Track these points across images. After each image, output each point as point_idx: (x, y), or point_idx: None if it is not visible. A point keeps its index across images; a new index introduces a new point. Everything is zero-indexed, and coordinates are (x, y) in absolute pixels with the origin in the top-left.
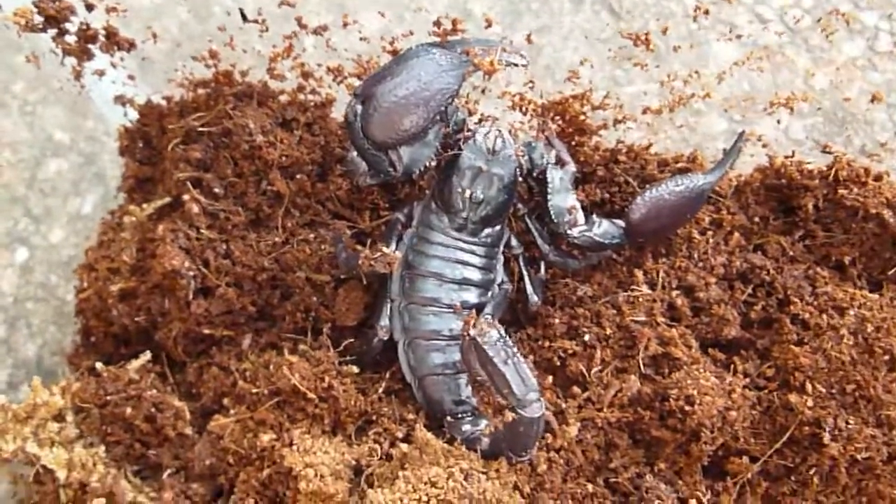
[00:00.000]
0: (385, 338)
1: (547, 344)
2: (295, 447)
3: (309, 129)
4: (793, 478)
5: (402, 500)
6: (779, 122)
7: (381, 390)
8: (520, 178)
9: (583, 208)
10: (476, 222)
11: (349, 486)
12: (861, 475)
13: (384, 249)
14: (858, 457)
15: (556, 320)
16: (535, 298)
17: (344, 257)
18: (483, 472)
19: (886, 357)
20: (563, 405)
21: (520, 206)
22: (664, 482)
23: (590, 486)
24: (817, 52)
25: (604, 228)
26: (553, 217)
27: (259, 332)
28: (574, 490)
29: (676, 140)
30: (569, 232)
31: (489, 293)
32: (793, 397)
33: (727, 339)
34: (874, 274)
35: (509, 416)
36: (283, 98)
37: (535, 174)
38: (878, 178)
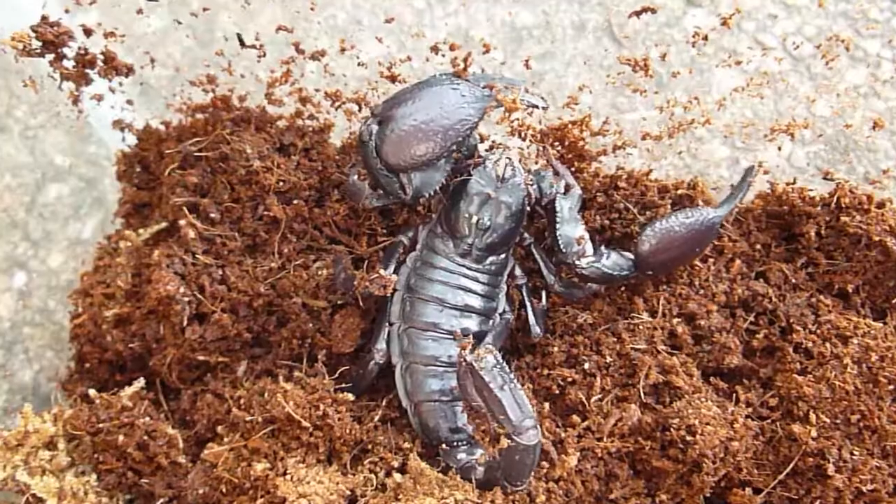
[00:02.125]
0: (381, 362)
1: (545, 372)
2: (289, 476)
3: (307, 154)
4: None
5: None
6: (780, 148)
7: (377, 418)
8: (527, 207)
9: (591, 239)
10: (481, 249)
11: None
12: None
13: (381, 272)
14: (864, 489)
15: (556, 349)
16: (538, 330)
17: (342, 279)
18: (478, 503)
19: (891, 387)
20: (563, 434)
21: (525, 235)
22: None
23: None
24: (819, 79)
25: (613, 259)
26: (561, 247)
27: (255, 358)
28: None
29: (679, 167)
30: (577, 262)
31: (490, 322)
32: (796, 427)
33: (729, 367)
34: (878, 302)
35: (505, 443)
36: (281, 123)
37: (543, 203)
38: (880, 205)
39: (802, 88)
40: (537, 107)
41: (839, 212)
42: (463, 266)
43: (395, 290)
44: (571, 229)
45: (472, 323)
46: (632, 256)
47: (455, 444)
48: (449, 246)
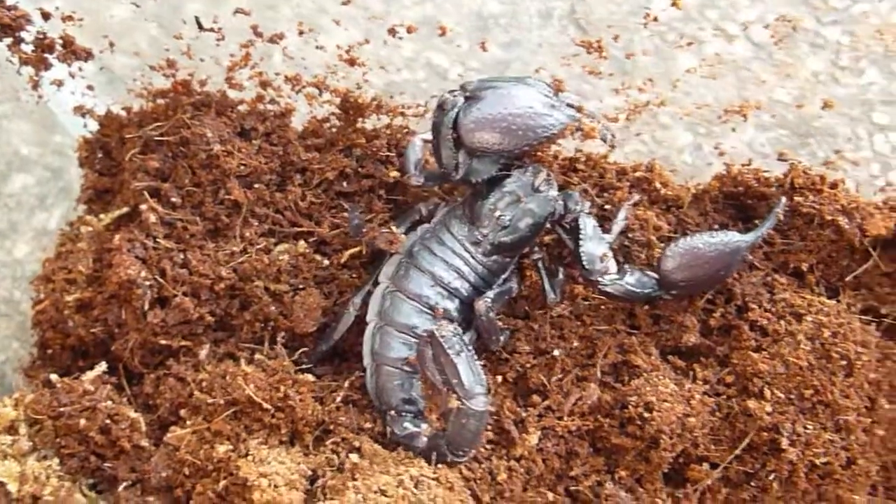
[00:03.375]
0: (354, 315)
1: (504, 356)
2: (250, 457)
3: (268, 138)
4: (752, 483)
5: None
6: (734, 129)
7: (338, 399)
8: (547, 223)
9: (615, 258)
10: (492, 244)
11: (305, 497)
12: (820, 480)
13: (393, 228)
14: (817, 462)
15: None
16: (553, 295)
17: (355, 224)
18: (434, 479)
19: (843, 362)
20: (524, 414)
21: (535, 250)
22: (624, 490)
23: (550, 495)
24: (781, 66)
25: (636, 277)
26: (584, 264)
27: (217, 342)
28: (534, 499)
29: (643, 153)
30: (600, 280)
31: (466, 315)
32: (751, 403)
33: (687, 346)
34: (831, 280)
35: (455, 403)
36: (243, 108)
37: (567, 221)
38: (833, 185)
39: (765, 75)
40: (604, 140)
41: (793, 192)
42: (468, 253)
43: (396, 252)
44: (595, 246)
45: (453, 307)
46: (655, 275)
47: (403, 413)
48: (464, 231)
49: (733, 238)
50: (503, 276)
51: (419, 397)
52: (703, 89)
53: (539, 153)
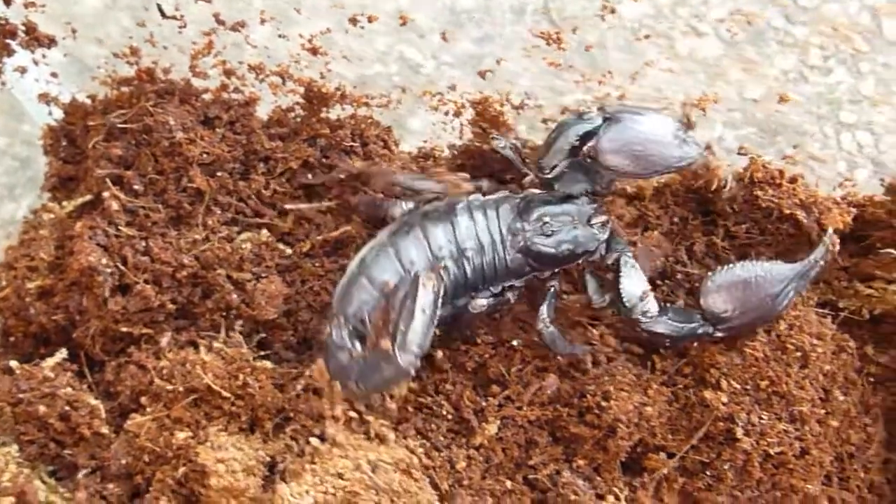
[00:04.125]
0: (394, 200)
1: (464, 348)
2: (209, 444)
3: (231, 127)
4: (708, 473)
5: (308, 493)
6: (697, 120)
7: (299, 387)
8: (578, 260)
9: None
10: (526, 244)
11: (263, 483)
12: (774, 470)
13: (462, 175)
14: (771, 451)
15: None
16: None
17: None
18: (391, 464)
19: (798, 354)
20: (483, 403)
21: (554, 283)
22: (582, 478)
23: (508, 483)
24: (751, 64)
25: (679, 314)
26: (625, 302)
27: (179, 330)
28: (493, 487)
29: None
30: (641, 318)
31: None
32: (708, 394)
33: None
34: None
35: (387, 346)
36: (207, 96)
37: (608, 262)
38: (792, 180)
39: (734, 73)
40: (725, 187)
41: (752, 186)
42: (501, 236)
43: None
44: (635, 284)
45: (452, 273)
46: (699, 311)
47: (350, 325)
48: (509, 217)
49: (776, 267)
50: (507, 285)
51: (369, 322)
52: (675, 86)
53: None
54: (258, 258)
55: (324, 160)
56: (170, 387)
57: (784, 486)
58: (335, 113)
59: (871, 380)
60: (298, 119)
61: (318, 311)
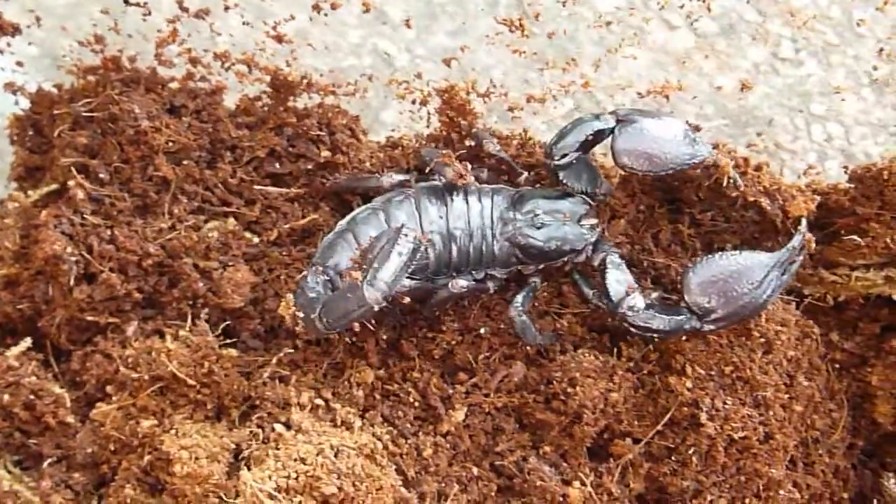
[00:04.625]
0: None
1: (431, 335)
2: (173, 432)
3: (198, 115)
4: (673, 458)
5: (270, 478)
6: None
7: (266, 375)
8: (563, 258)
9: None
10: (514, 234)
11: (227, 469)
12: (739, 454)
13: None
14: (735, 436)
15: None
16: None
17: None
18: (354, 449)
19: (762, 340)
20: (450, 391)
21: (535, 280)
22: (549, 464)
23: (475, 470)
24: (723, 57)
25: (666, 310)
26: (612, 296)
27: (146, 319)
28: (459, 473)
29: None
30: (627, 313)
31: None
32: (673, 379)
33: (612, 324)
34: None
35: (356, 276)
36: (174, 85)
37: (595, 263)
38: (757, 168)
39: (707, 66)
40: (735, 183)
41: (717, 174)
42: (492, 222)
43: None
44: (621, 280)
45: (437, 246)
46: (685, 305)
47: (327, 275)
48: (504, 205)
49: (755, 256)
50: (490, 273)
51: (344, 266)
52: (646, 78)
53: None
54: (225, 247)
55: (290, 149)
56: (135, 375)
57: (748, 471)
58: (304, 102)
59: (836, 366)
60: (265, 108)
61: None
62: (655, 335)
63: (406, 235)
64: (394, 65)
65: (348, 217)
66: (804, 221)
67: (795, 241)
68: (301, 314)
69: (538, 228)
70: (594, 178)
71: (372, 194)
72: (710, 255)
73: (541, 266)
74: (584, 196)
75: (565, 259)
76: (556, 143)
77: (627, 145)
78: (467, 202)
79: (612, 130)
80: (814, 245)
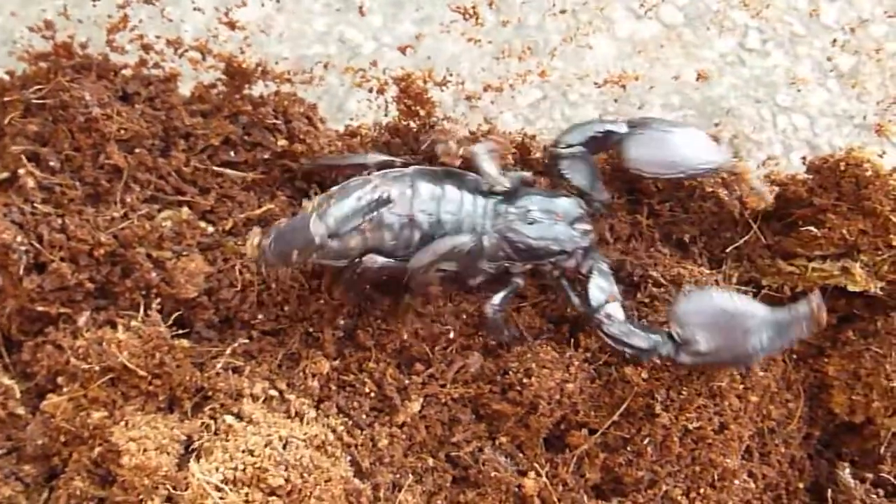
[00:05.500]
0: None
1: (385, 326)
2: (123, 424)
3: (151, 103)
4: (629, 448)
5: (217, 470)
6: (640, 107)
7: (219, 366)
8: (550, 260)
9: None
10: (506, 228)
11: (178, 461)
12: (694, 445)
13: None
14: (690, 426)
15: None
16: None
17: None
18: (303, 440)
19: None
20: (406, 382)
21: (518, 279)
22: (504, 455)
23: (431, 461)
24: (690, 47)
25: (645, 328)
26: (591, 302)
27: (98, 309)
28: (414, 464)
29: (552, 129)
30: (604, 321)
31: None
32: (629, 370)
33: (572, 315)
34: (714, 251)
35: (307, 206)
36: (127, 72)
37: (583, 271)
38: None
39: (673, 56)
40: (758, 194)
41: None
42: (485, 213)
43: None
44: (603, 288)
45: (422, 230)
46: (666, 330)
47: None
48: (497, 199)
49: (754, 305)
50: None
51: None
52: (613, 69)
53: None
54: (179, 236)
55: (246, 137)
56: (86, 366)
57: (703, 461)
58: (261, 90)
59: (794, 357)
60: (220, 96)
61: (241, 289)
62: (628, 350)
63: (376, 187)
64: (360, 53)
65: (340, 185)
66: (817, 291)
67: (801, 306)
68: (258, 235)
69: (529, 224)
70: (593, 181)
71: (350, 173)
72: (708, 288)
73: (527, 266)
74: (580, 200)
75: (553, 260)
76: (564, 133)
77: (638, 148)
78: (461, 190)
79: (622, 135)
80: (823, 319)
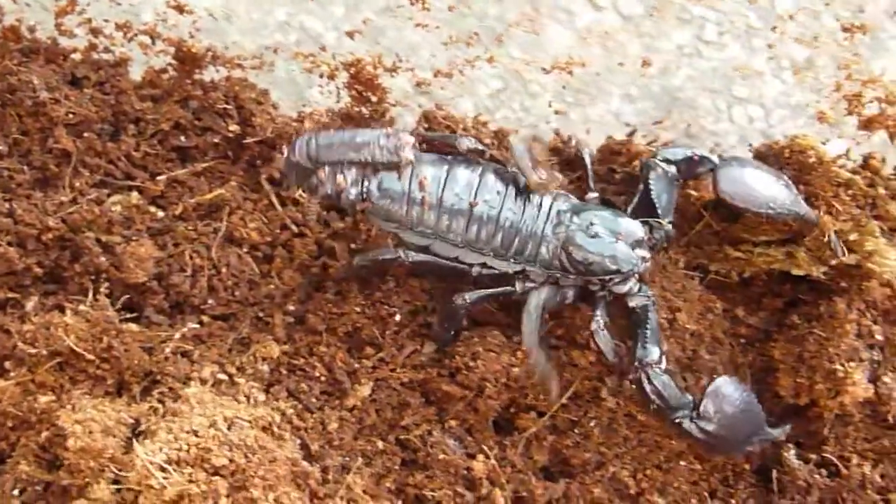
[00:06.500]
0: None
1: (338, 311)
2: (69, 407)
3: (100, 87)
4: (577, 430)
5: (161, 450)
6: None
7: (168, 350)
8: (604, 290)
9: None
10: (565, 234)
11: (125, 444)
12: (640, 427)
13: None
14: (633, 411)
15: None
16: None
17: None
18: (248, 421)
19: (664, 314)
20: (356, 366)
21: (571, 290)
22: (453, 438)
23: (380, 444)
24: (648, 39)
25: (676, 387)
26: (647, 350)
27: (48, 294)
28: (364, 447)
29: (511, 120)
30: (649, 371)
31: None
32: (576, 353)
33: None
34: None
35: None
36: (77, 56)
37: (634, 305)
38: (664, 146)
39: (632, 47)
40: (834, 250)
41: (632, 157)
42: (541, 218)
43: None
44: (657, 340)
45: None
46: (693, 398)
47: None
48: (562, 208)
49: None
50: (528, 269)
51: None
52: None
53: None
54: (128, 221)
55: (197, 122)
56: (33, 350)
57: (649, 443)
58: (212, 75)
59: (742, 340)
60: (171, 81)
61: (191, 274)
62: (657, 403)
63: (398, 138)
64: (321, 42)
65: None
66: (788, 427)
67: (777, 431)
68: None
69: (591, 238)
70: (668, 207)
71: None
72: (736, 379)
73: (578, 283)
74: (647, 225)
75: (606, 279)
76: (664, 148)
77: (730, 176)
78: (529, 194)
79: (716, 165)
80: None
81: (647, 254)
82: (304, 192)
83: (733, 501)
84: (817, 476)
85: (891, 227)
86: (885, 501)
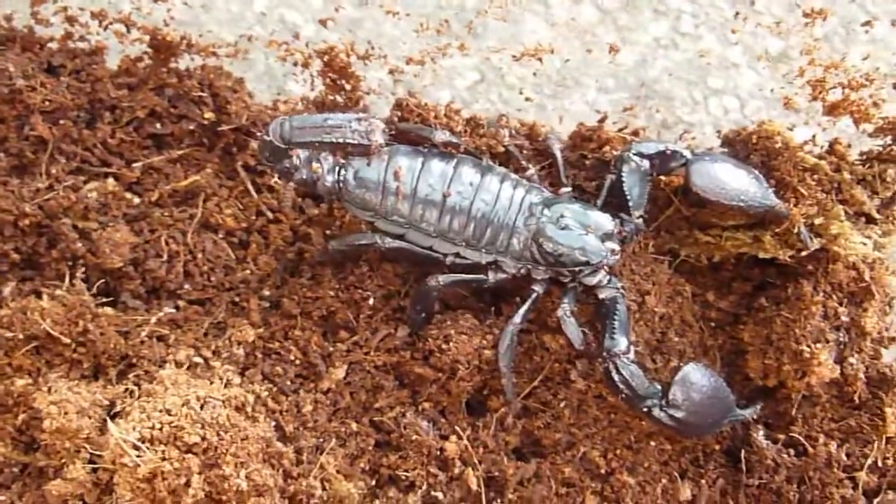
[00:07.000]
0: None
1: (312, 294)
2: (45, 390)
3: (77, 75)
4: (548, 412)
5: (135, 429)
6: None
7: (143, 334)
8: (574, 279)
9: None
10: (529, 226)
11: (100, 425)
12: (610, 408)
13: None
14: (604, 392)
15: (326, 277)
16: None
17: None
18: (221, 401)
19: (634, 297)
20: (331, 349)
21: (538, 289)
22: (426, 420)
23: (354, 425)
24: (625, 31)
25: (643, 374)
26: (614, 340)
27: (25, 279)
28: (338, 429)
29: (490, 111)
30: (616, 360)
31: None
32: (547, 337)
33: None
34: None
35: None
36: (53, 45)
37: (603, 297)
38: (635, 133)
39: (609, 39)
40: (805, 242)
41: (602, 144)
42: (522, 208)
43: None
44: (624, 330)
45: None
46: (660, 386)
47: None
48: (534, 201)
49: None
50: (498, 260)
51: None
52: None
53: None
54: (105, 207)
55: (172, 110)
56: (9, 334)
57: (619, 424)
58: (187, 64)
59: (713, 324)
60: (147, 69)
61: (167, 260)
62: (625, 392)
63: (370, 123)
64: (300, 35)
65: (392, 147)
66: (758, 407)
67: (749, 412)
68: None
69: (561, 230)
70: (640, 201)
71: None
72: (703, 365)
73: (548, 274)
74: (617, 218)
75: (576, 270)
76: (638, 142)
77: (705, 175)
78: (501, 184)
79: (689, 160)
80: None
81: (616, 246)
82: (278, 177)
83: (703, 481)
84: (785, 455)
85: (856, 212)
86: (851, 479)
